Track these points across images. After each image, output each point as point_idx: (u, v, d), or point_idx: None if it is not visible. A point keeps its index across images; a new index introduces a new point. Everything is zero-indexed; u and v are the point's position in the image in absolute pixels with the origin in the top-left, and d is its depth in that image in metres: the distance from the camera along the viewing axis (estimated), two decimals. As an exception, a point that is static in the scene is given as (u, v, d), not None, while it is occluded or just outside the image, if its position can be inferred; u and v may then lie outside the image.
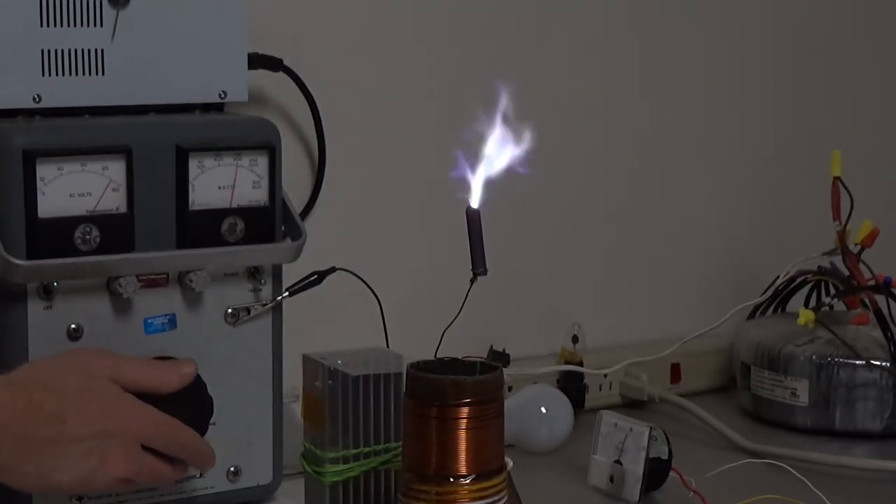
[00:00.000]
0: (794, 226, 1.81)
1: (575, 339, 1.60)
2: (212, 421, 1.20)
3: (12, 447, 1.05)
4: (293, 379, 1.29)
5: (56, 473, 1.07)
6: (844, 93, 1.87)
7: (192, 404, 1.17)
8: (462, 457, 1.09)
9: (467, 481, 1.09)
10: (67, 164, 1.17)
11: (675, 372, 1.68)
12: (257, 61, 1.40)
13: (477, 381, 1.09)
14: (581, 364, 1.59)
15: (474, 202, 1.11)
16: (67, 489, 1.11)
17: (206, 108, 1.30)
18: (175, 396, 1.15)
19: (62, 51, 1.23)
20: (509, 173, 1.11)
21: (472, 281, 1.12)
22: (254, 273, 1.27)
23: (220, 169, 1.24)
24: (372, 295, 1.32)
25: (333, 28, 1.51)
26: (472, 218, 1.12)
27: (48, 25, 1.22)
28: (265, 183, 1.26)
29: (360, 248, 1.51)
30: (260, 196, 1.26)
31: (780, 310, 1.68)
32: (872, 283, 1.58)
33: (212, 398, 1.20)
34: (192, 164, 1.22)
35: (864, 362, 1.54)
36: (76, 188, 1.17)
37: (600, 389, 1.63)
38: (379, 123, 1.54)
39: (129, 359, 1.15)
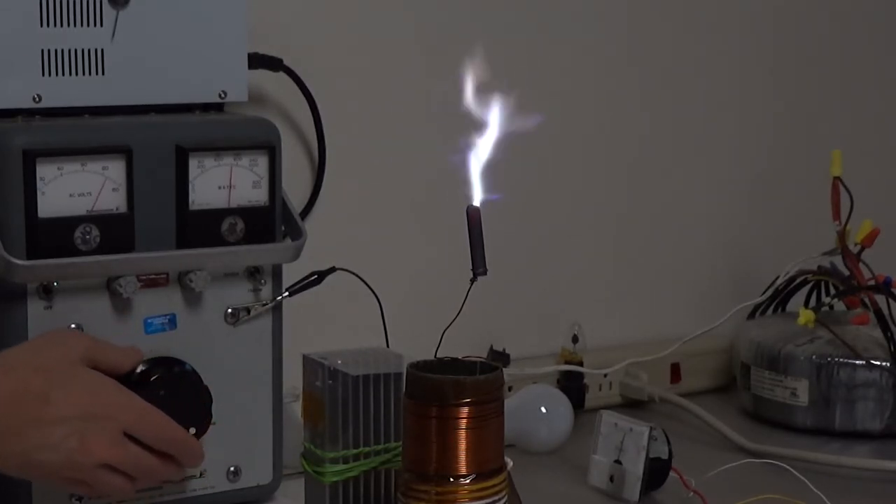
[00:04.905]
0: (794, 226, 1.81)
1: (575, 339, 1.60)
2: (212, 421, 1.20)
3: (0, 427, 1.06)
4: (293, 379, 1.29)
5: (39, 453, 1.08)
6: (844, 93, 1.87)
7: (189, 399, 1.18)
8: (462, 457, 1.08)
9: (467, 481, 1.09)
10: (67, 164, 1.17)
11: (675, 372, 1.68)
12: (257, 61, 1.40)
13: (477, 381, 1.09)
14: (581, 364, 1.59)
15: (475, 201, 1.11)
16: (52, 471, 1.09)
17: (206, 108, 1.30)
18: (171, 390, 1.16)
19: (62, 51, 1.23)
20: (506, 174, 1.11)
21: (472, 281, 1.12)
22: (254, 273, 1.27)
23: (220, 169, 1.24)
24: (372, 295, 1.31)
25: (333, 28, 1.51)
26: (473, 217, 1.12)
27: (48, 25, 1.22)
28: (265, 183, 1.26)
29: (360, 248, 1.50)
30: (260, 196, 1.26)
31: (780, 310, 1.68)
32: (872, 283, 1.58)
33: (209, 391, 1.20)
34: (192, 164, 1.22)
35: (864, 362, 1.54)
36: (76, 188, 1.17)
37: (600, 389, 1.63)
38: (379, 123, 1.54)
39: (99, 341, 1.16)
